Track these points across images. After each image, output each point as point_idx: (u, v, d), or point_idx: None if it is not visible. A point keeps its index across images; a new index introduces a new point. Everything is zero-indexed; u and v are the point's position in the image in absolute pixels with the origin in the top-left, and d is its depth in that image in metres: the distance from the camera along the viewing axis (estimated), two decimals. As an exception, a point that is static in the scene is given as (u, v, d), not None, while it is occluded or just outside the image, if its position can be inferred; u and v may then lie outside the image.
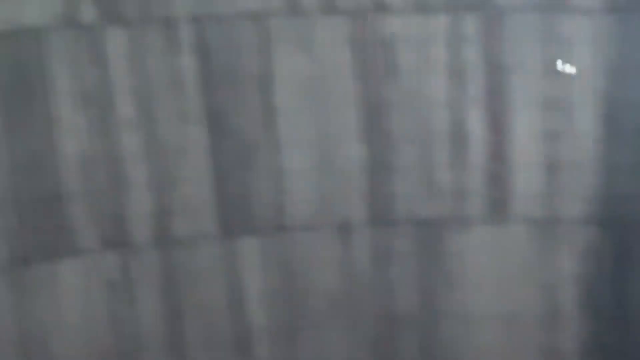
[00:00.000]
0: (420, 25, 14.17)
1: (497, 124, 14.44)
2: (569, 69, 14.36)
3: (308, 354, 14.98)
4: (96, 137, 13.64)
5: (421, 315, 14.94)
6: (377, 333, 15.04)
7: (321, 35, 14.10)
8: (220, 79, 14.01)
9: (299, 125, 14.35)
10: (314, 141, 14.47)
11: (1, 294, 13.41)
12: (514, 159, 14.42)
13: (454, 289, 14.90)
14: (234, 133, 14.26)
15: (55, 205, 13.60)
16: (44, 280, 13.65)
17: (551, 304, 14.66)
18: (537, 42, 14.16)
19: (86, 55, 13.43)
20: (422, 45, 14.24)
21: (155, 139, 13.95)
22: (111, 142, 13.71)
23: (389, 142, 14.51)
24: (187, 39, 13.71)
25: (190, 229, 14.21)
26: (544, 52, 14.15)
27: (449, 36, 14.19)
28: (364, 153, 14.49)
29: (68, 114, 13.47)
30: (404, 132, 14.46)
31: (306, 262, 14.69)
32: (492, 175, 14.50)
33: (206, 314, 14.60)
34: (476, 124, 14.40)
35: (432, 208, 14.67)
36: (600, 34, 14.06)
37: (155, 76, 13.73)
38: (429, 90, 14.34)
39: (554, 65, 14.32)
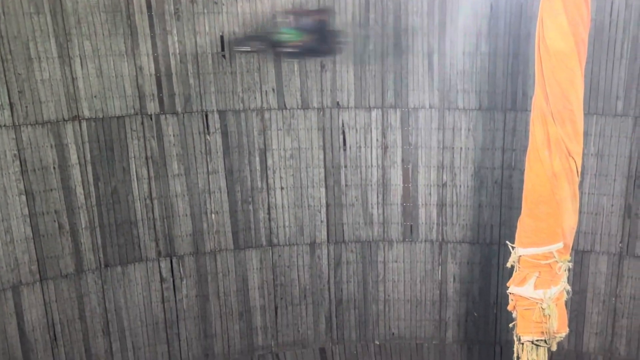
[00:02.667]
0: (362, 117, 15.97)
1: (408, 179, 16.21)
2: (456, 144, 16.50)
3: (287, 322, 16.48)
4: (155, 183, 15.32)
5: (360, 299, 16.67)
6: (332, 309, 16.71)
7: (301, 122, 15.88)
8: (235, 149, 15.69)
9: (283, 178, 16.07)
10: (292, 187, 16.15)
11: (95, 285, 15.00)
12: (419, 200, 16.27)
13: (381, 283, 16.59)
14: (243, 182, 15.91)
15: (127, 228, 15.22)
16: (120, 277, 15.30)
17: (441, 292, 16.44)
18: (434, 129, 15.96)
19: (150, 132, 15.14)
20: (363, 130, 16.05)
21: (193, 185, 15.60)
22: (166, 187, 15.40)
23: (340, 189, 16.27)
24: (214, 124, 15.47)
25: (215, 244, 15.87)
26: (439, 135, 15.96)
27: (380, 124, 16.03)
28: (325, 195, 16.29)
29: (138, 168, 15.12)
30: (350, 183, 16.24)
31: (288, 266, 16.35)
32: (405, 211, 16.35)
33: (223, 297, 16.10)
34: (395, 178, 16.25)
35: (368, 232, 16.46)
36: (474, 124, 15.92)
37: (194, 146, 15.45)
38: (367, 158, 16.15)
39: (445, 143, 16.06)
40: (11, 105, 13.63)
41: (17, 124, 13.83)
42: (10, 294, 14.00)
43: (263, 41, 14.54)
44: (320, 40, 14.35)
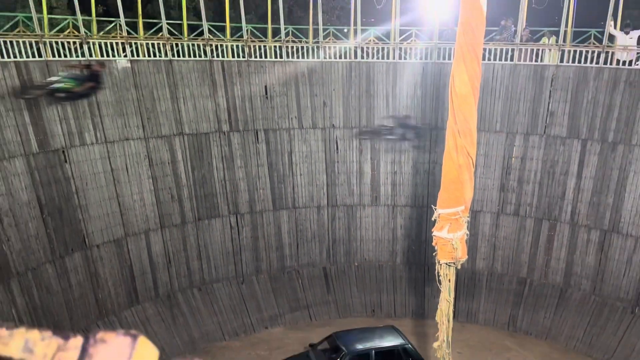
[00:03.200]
0: (347, 132, 15.78)
1: (374, 169, 16.08)
2: (402, 148, 16.62)
3: (304, 252, 16.16)
4: (227, 172, 15.10)
5: (346, 239, 16.41)
6: (330, 245, 16.39)
7: (312, 136, 15.77)
8: (274, 152, 15.52)
9: (301, 168, 15.88)
10: (306, 174, 15.95)
11: (192, 230, 14.72)
12: (381, 181, 16.14)
13: (358, 230, 16.37)
14: (278, 171, 15.69)
15: (211, 196, 15.01)
16: (207, 226, 15.00)
17: (393, 235, 16.27)
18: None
19: (224, 144, 14.93)
20: (347, 140, 15.86)
21: (249, 173, 15.30)
22: (232, 174, 15.14)
23: (334, 176, 16.07)
24: (261, 137, 15.33)
25: (261, 207, 15.61)
26: (393, 143, 15.91)
27: (358, 137, 15.82)
28: (326, 179, 16.08)
29: (217, 163, 14.90)
30: (340, 171, 16.05)
31: (304, 219, 16.11)
32: (372, 188, 16.19)
33: (266, 237, 15.76)
34: (367, 168, 16.10)
35: (350, 200, 16.28)
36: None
37: (250, 150, 15.27)
38: (350, 157, 15.99)
39: (396, 148, 16.68)
40: (143, 126, 13.70)
41: (146, 137, 13.80)
42: (143, 236, 13.95)
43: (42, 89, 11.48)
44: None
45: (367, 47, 15.65)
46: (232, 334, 14.54)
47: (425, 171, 15.88)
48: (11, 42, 11.73)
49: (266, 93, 15.24)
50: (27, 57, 11.91)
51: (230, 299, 15.08)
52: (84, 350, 0.65)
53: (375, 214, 16.32)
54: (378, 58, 15.63)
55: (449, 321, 10.27)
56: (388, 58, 15.60)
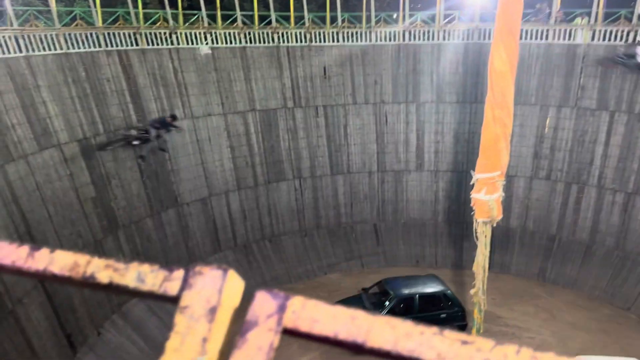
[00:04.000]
0: (395, 107, 15.87)
1: (419, 138, 16.06)
2: (445, 120, 16.57)
3: (357, 211, 16.38)
4: (292, 142, 15.46)
5: (394, 200, 16.51)
6: (379, 205, 16.51)
7: (364, 110, 15.88)
8: (330, 123, 15.74)
9: (356, 139, 16.04)
10: (359, 144, 16.09)
11: (263, 192, 15.22)
12: (424, 149, 16.11)
13: (404, 192, 16.43)
14: (335, 141, 15.90)
15: (279, 163, 15.39)
16: (275, 188, 15.44)
17: (435, 196, 16.27)
18: (433, 112, 15.91)
19: (289, 118, 15.23)
20: (396, 114, 15.99)
21: (310, 143, 15.55)
22: (296, 143, 15.44)
23: (384, 145, 16.18)
24: (321, 112, 15.58)
25: (320, 172, 15.91)
26: (436, 116, 15.89)
27: (405, 110, 15.95)
28: (376, 148, 16.21)
29: (283, 134, 15.27)
30: (389, 141, 16.15)
31: (357, 183, 16.26)
32: (417, 155, 16.19)
33: (325, 198, 16.07)
34: (413, 139, 16.10)
35: (398, 166, 16.32)
36: (454, 110, 16.01)
37: (311, 123, 15.55)
38: (398, 128, 16.03)
39: (439, 120, 16.52)
40: (222, 104, 14.21)
41: (225, 113, 14.30)
42: (223, 196, 14.55)
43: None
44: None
45: (414, 30, 15.51)
46: (297, 278, 15.13)
47: (465, 140, 15.78)
48: (114, 34, 12.39)
49: (325, 73, 15.43)
50: (127, 46, 12.56)
51: (295, 249, 15.62)
52: (185, 281, 0.67)
53: (419, 178, 16.37)
54: (424, 40, 15.48)
55: (484, 271, 10.53)
56: (433, 39, 15.42)
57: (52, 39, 11.07)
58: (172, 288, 0.67)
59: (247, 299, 0.73)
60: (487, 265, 10.39)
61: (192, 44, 13.58)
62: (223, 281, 0.66)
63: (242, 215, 14.96)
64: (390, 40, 15.56)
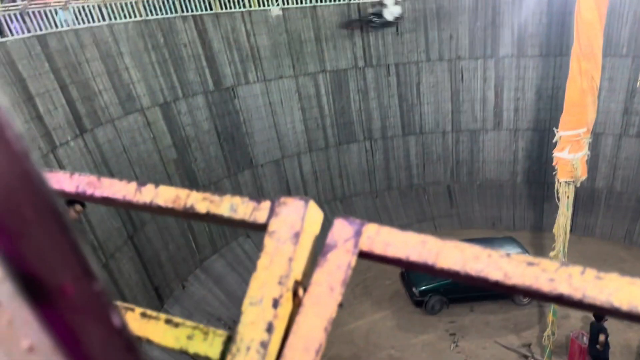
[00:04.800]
0: (472, 63, 15.20)
1: (498, 96, 15.46)
2: (526, 76, 15.81)
3: (430, 172, 16.14)
4: (362, 103, 15.31)
5: (469, 160, 16.14)
6: (453, 165, 16.24)
7: (439, 67, 15.43)
8: (403, 84, 15.44)
9: (429, 97, 15.67)
10: (433, 103, 15.72)
11: (334, 153, 15.31)
12: (503, 107, 15.51)
13: (480, 152, 16.00)
14: (407, 100, 15.61)
15: (349, 124, 15.37)
16: (346, 149, 15.48)
17: (514, 156, 15.73)
18: (514, 67, 15.27)
19: (359, 78, 15.09)
20: (472, 70, 15.41)
21: (381, 103, 15.40)
22: (367, 104, 15.31)
23: (459, 104, 15.70)
24: (392, 70, 15.28)
25: (392, 133, 15.76)
26: (516, 71, 15.22)
27: (482, 66, 15.36)
28: (451, 107, 15.79)
29: (354, 95, 15.10)
30: (465, 99, 15.62)
31: (430, 144, 15.98)
32: (495, 113, 15.64)
33: (398, 159, 15.91)
34: (490, 96, 15.51)
35: (474, 125, 15.87)
36: (536, 64, 15.37)
37: (382, 83, 15.32)
38: (474, 85, 15.47)
39: (519, 75, 15.89)
40: (293, 66, 14.29)
41: (296, 75, 14.40)
42: (296, 158, 14.82)
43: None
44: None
45: (494, -20, 14.71)
46: (369, 239, 15.25)
47: (548, 96, 14.97)
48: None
49: (397, 30, 15.05)
50: (201, 11, 12.87)
51: (366, 210, 15.75)
52: (271, 210, 0.76)
53: (497, 137, 15.82)
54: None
55: (565, 234, 10.15)
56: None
57: (132, 6, 11.55)
58: (260, 216, 0.77)
59: (326, 229, 0.82)
60: (568, 228, 10.04)
61: (264, 5, 13.66)
62: (305, 210, 0.75)
63: (313, 177, 15.19)
64: (466, -9, 14.85)
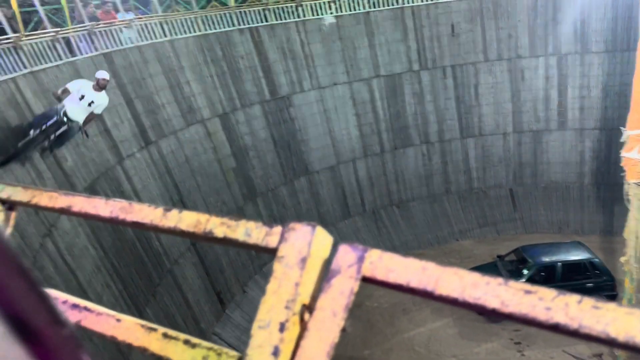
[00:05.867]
0: (533, 61, 14.71)
1: (562, 94, 14.89)
2: (591, 73, 15.02)
3: (490, 175, 15.65)
4: (417, 107, 15.19)
5: (532, 162, 15.44)
6: (515, 168, 15.56)
7: (497, 68, 15.02)
8: (459, 84, 15.13)
9: (488, 98, 15.26)
10: (492, 104, 15.29)
11: (390, 158, 15.18)
12: (568, 106, 14.90)
13: (544, 154, 15.34)
14: (464, 102, 15.27)
15: (404, 129, 15.14)
16: (401, 154, 15.22)
17: (581, 157, 15.08)
18: (577, 65, 15.03)
19: (414, 82, 14.93)
20: (534, 69, 14.95)
21: (437, 105, 15.08)
22: (422, 107, 15.08)
23: (520, 103, 15.20)
24: (449, 73, 15.04)
25: (448, 136, 15.44)
26: (580, 68, 14.66)
27: (544, 65, 15.25)
28: (511, 107, 15.21)
29: (409, 98, 14.93)
30: (526, 99, 15.14)
31: (490, 146, 15.51)
32: (559, 113, 15.04)
33: (454, 162, 15.52)
34: (554, 94, 14.94)
35: (537, 125, 15.33)
36: (601, 60, 14.85)
37: (438, 85, 15.07)
38: (536, 84, 14.95)
39: (584, 73, 15.30)
40: (347, 72, 14.37)
41: (350, 81, 14.46)
42: (351, 163, 14.84)
43: None
44: None
45: (554, -25, 14.19)
46: (427, 244, 15.04)
47: (615, 93, 14.22)
48: (245, 12, 13.09)
49: (453, 31, 14.81)
50: (257, 23, 13.22)
51: (424, 214, 15.50)
52: (282, 235, 0.79)
53: (562, 137, 15.18)
54: (564, -16, 14.11)
55: (637, 238, 9.57)
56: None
57: (191, 22, 12.05)
58: (272, 241, 0.80)
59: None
60: (641, 232, 9.46)
61: (317, 14, 13.83)
62: (312, 236, 0.77)
63: (369, 182, 15.15)
64: (525, -12, 14.41)
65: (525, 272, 11.46)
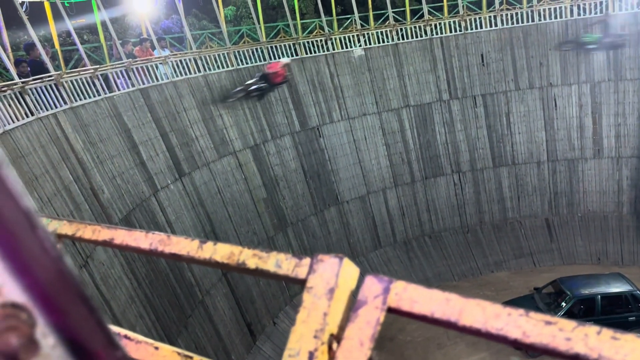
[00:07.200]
0: (565, 89, 14.52)
1: (596, 122, 14.60)
2: (626, 100, 14.77)
3: (525, 204, 15.35)
4: (448, 136, 15.15)
5: (568, 191, 15.15)
6: (551, 197, 15.25)
7: (529, 96, 14.85)
8: (491, 113, 15.02)
9: (520, 127, 15.07)
10: (525, 132, 15.08)
11: (420, 187, 15.14)
12: (603, 134, 14.60)
13: (580, 183, 15.05)
14: (496, 131, 15.13)
15: (435, 158, 15.16)
16: (433, 183, 15.24)
17: (618, 185, 14.67)
18: (611, 92, 14.90)
19: (444, 111, 14.92)
20: (566, 97, 14.73)
21: (468, 135, 15.06)
22: (453, 136, 15.06)
23: (553, 132, 14.93)
24: (479, 101, 14.98)
25: (481, 165, 15.27)
26: (614, 96, 14.63)
27: (577, 92, 14.81)
28: (545, 135, 14.98)
29: (439, 128, 14.96)
30: (560, 127, 14.85)
31: (523, 175, 15.27)
32: (594, 141, 14.74)
33: (488, 192, 15.36)
34: (588, 123, 14.68)
35: (571, 154, 15.05)
36: (637, 87, 14.54)
37: (468, 114, 15.02)
38: (569, 112, 14.72)
39: (618, 100, 15.01)
40: (376, 102, 14.53)
41: (379, 111, 14.60)
42: (381, 193, 14.83)
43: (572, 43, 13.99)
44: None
45: (584, 3, 14.12)
46: (461, 276, 14.77)
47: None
48: (276, 47, 13.47)
49: (482, 61, 14.85)
50: (288, 56, 13.54)
51: (457, 245, 15.26)
52: (310, 266, 0.82)
53: (598, 166, 14.85)
54: (595, 12, 14.01)
55: (683, 270, 9.21)
56: (607, 10, 13.86)
57: (224, 57, 12.45)
58: (301, 272, 0.84)
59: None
60: (686, 264, 9.09)
61: (346, 47, 14.12)
62: (339, 267, 0.80)
63: (400, 212, 15.08)
64: (555, 17, 14.38)
65: (563, 304, 11.09)
